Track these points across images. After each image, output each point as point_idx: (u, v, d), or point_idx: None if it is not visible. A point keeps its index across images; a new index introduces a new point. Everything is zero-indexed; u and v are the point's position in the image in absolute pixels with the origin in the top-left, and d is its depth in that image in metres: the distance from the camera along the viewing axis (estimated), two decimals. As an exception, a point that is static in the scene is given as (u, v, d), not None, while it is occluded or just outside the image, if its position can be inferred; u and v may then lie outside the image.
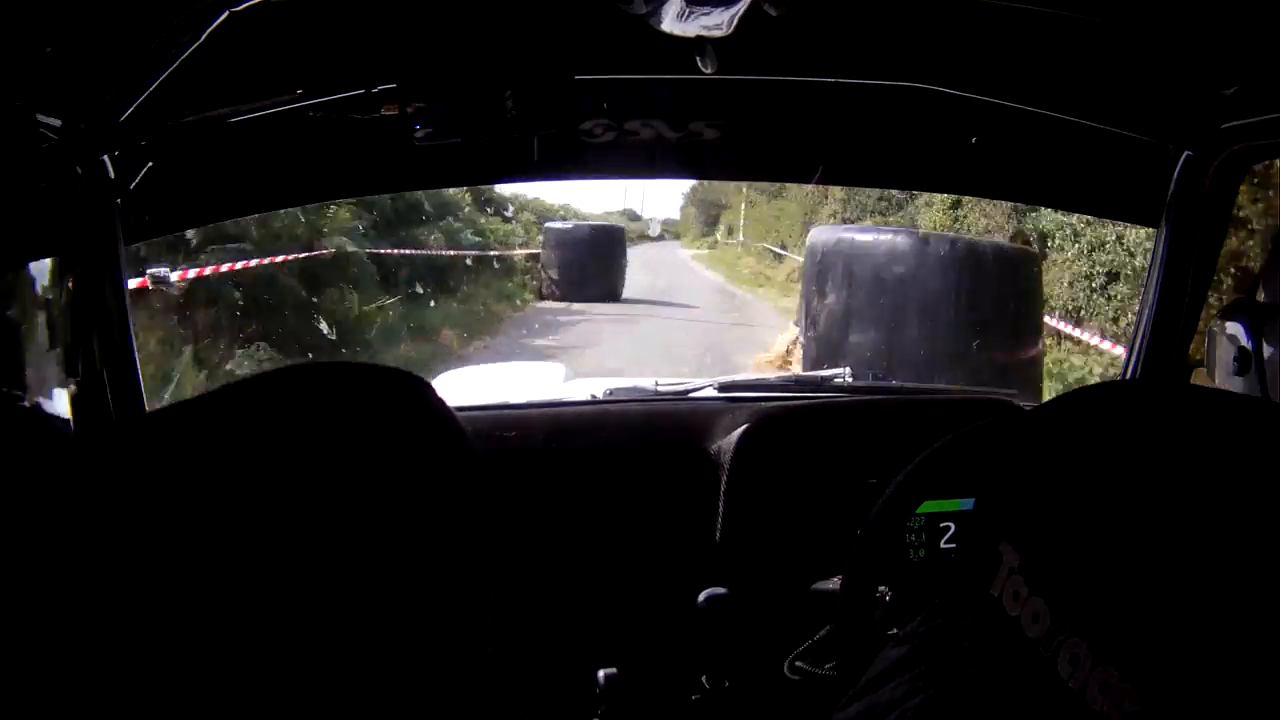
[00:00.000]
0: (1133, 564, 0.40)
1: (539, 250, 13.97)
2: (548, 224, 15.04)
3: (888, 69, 1.22)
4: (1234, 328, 0.98)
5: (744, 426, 1.38)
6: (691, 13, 0.86)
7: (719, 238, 31.89)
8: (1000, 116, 1.27)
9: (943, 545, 1.32)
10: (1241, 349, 0.89)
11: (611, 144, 1.27)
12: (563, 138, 1.23)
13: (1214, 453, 0.42)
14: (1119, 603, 0.39)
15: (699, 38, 0.94)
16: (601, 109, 1.24)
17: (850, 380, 1.78)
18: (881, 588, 1.14)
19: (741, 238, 27.19)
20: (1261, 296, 0.77)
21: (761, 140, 1.35)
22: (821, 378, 1.77)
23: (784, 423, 1.41)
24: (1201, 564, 0.39)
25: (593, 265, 13.26)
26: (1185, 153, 1.27)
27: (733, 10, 0.85)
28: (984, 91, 1.23)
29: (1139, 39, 1.04)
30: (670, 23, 0.89)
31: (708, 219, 34.43)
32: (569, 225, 14.94)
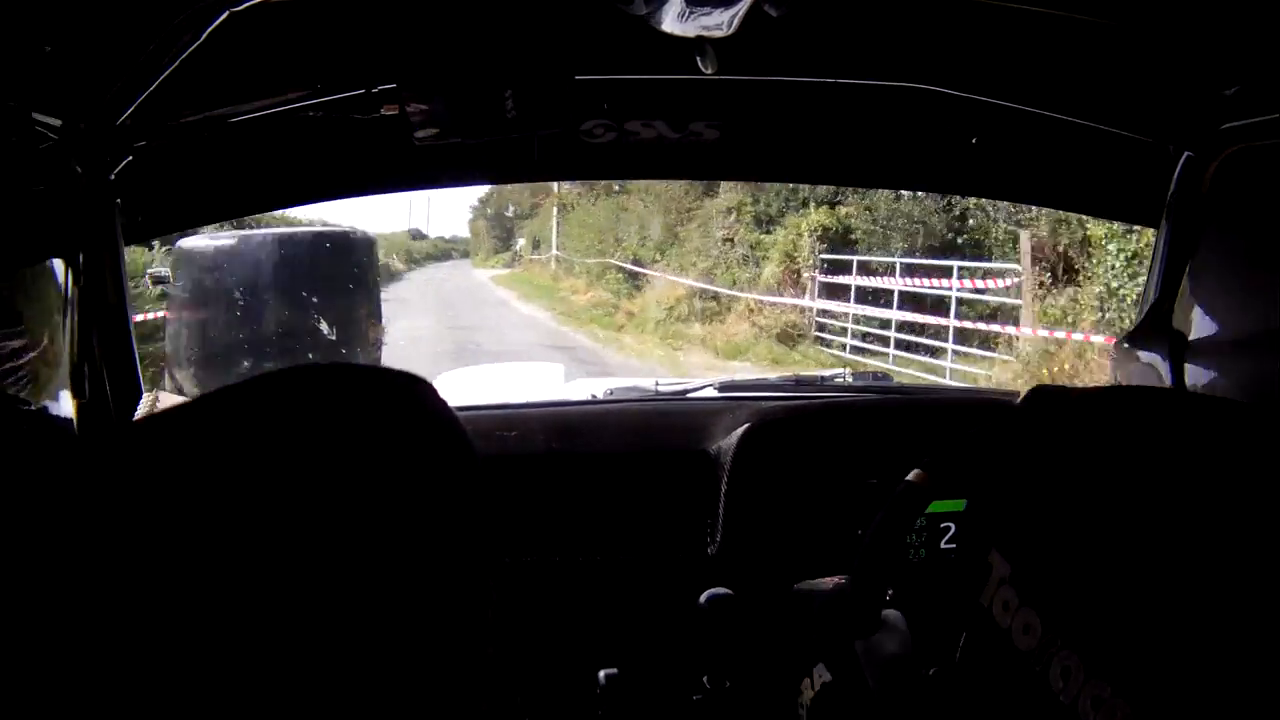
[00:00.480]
0: (1124, 576, 0.39)
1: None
2: (182, 241, 5.10)
3: (888, 69, 1.22)
4: (1149, 357, 0.82)
5: (744, 426, 1.38)
6: (691, 13, 0.86)
7: (521, 253, 26.37)
8: (1000, 116, 1.27)
9: (943, 546, 1.32)
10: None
11: (611, 144, 1.27)
12: (563, 138, 1.23)
13: (1207, 461, 0.42)
14: (1111, 616, 0.39)
15: (699, 38, 0.94)
16: (601, 109, 1.24)
17: (850, 380, 1.78)
18: None
19: (555, 251, 20.16)
20: (1184, 326, 0.68)
21: (761, 140, 1.35)
22: (822, 378, 1.77)
23: (784, 423, 1.41)
24: (1194, 577, 0.38)
25: (291, 348, 5.12)
26: (1185, 153, 1.27)
27: (733, 10, 0.85)
28: (984, 91, 1.23)
29: (1139, 39, 1.04)
30: (670, 23, 0.89)
31: (502, 231, 30.86)
32: (229, 240, 5.22)
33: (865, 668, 0.69)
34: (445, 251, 34.63)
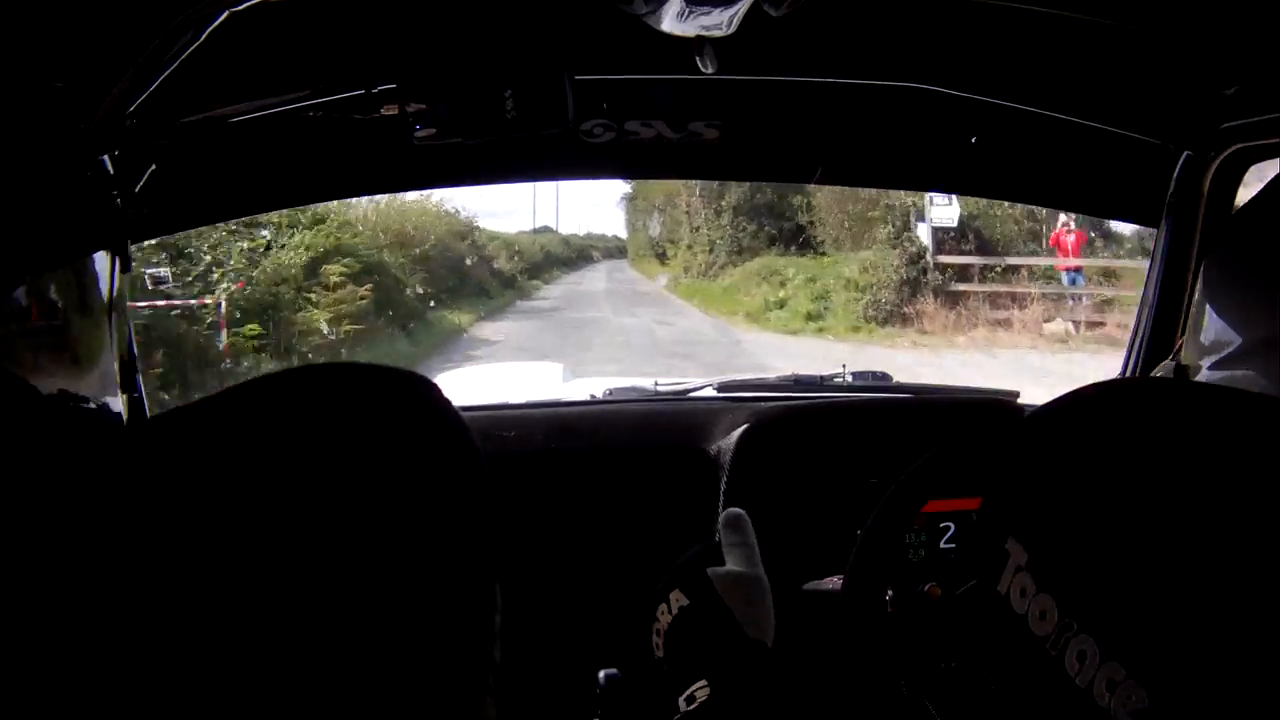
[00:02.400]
0: (1139, 561, 0.40)
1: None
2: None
3: (888, 69, 1.22)
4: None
5: (744, 426, 1.38)
6: (691, 13, 0.86)
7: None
8: (1000, 116, 1.27)
9: (942, 545, 1.32)
10: None
11: (611, 144, 1.27)
12: (563, 138, 1.23)
13: (1218, 448, 0.42)
14: (1126, 600, 0.39)
15: (699, 38, 0.94)
16: (601, 109, 1.24)
17: (850, 379, 1.78)
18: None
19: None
20: (1188, 359, 0.68)
21: (761, 140, 1.35)
22: (821, 378, 1.77)
23: (784, 423, 1.41)
24: (1207, 560, 0.39)
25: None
26: (1185, 153, 1.27)
27: (733, 10, 0.85)
28: (984, 91, 1.23)
29: (1139, 39, 1.04)
30: (670, 23, 0.89)
31: (764, 203, 13.04)
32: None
33: (722, 592, 0.73)
34: (582, 252, 22.58)
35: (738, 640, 0.70)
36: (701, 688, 0.67)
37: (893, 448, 1.36)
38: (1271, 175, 0.62)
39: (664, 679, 0.74)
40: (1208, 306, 0.64)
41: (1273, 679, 0.35)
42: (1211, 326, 0.63)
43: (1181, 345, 0.71)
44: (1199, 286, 0.66)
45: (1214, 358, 0.62)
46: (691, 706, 0.67)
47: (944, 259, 11.22)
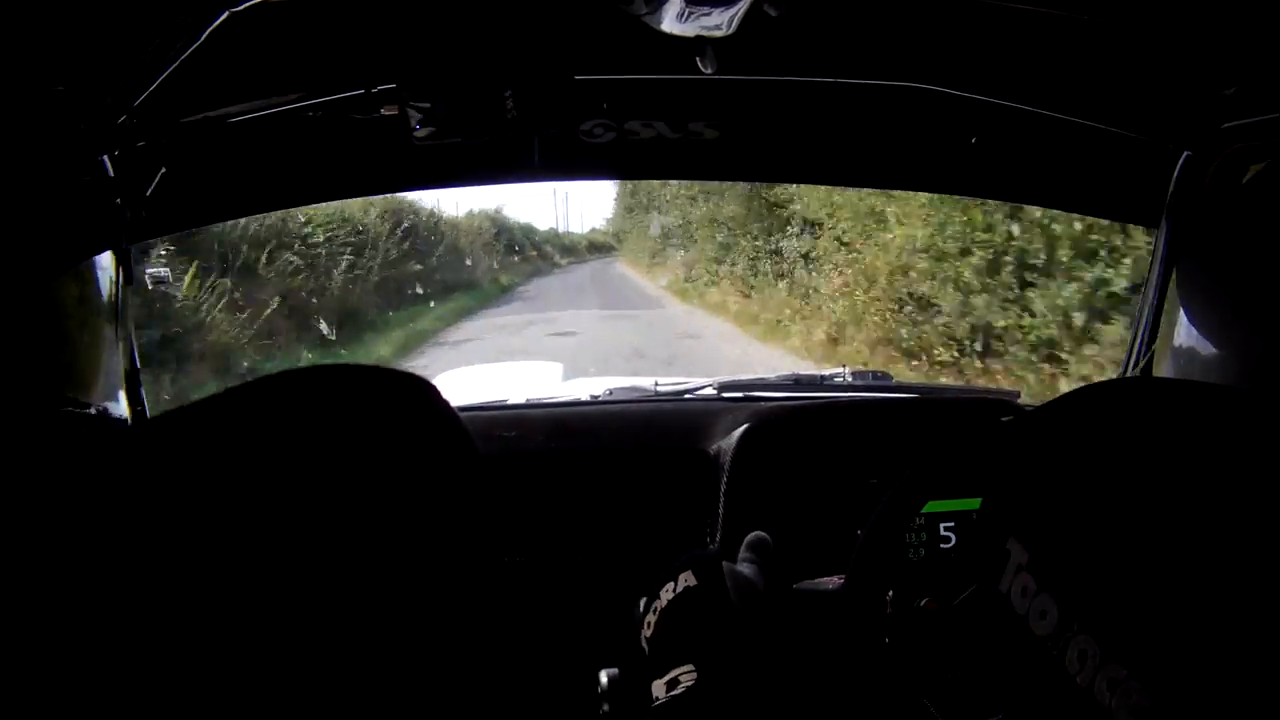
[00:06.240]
0: (1140, 560, 0.40)
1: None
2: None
3: (888, 69, 1.22)
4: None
5: (744, 426, 1.38)
6: (691, 13, 0.86)
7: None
8: (1000, 116, 1.27)
9: (942, 545, 1.32)
10: None
11: (611, 144, 1.27)
12: (563, 138, 1.23)
13: (1218, 447, 0.42)
14: (1127, 599, 0.39)
15: (699, 38, 0.94)
16: (601, 109, 1.24)
17: (849, 379, 1.78)
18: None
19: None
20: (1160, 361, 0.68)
21: (761, 140, 1.35)
22: (821, 377, 1.77)
23: (784, 423, 1.41)
24: (1209, 560, 0.39)
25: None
26: (1185, 153, 1.27)
27: (733, 10, 0.85)
28: (984, 91, 1.23)
29: (1139, 39, 1.04)
30: (670, 23, 0.89)
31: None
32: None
33: (730, 587, 0.74)
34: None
35: (733, 629, 0.70)
36: (687, 672, 0.66)
37: (893, 448, 1.36)
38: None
39: (645, 665, 0.73)
40: (1180, 310, 0.64)
41: (1274, 678, 0.35)
42: (1182, 330, 0.64)
43: (1154, 351, 0.72)
44: (1172, 289, 0.66)
45: (1182, 361, 0.63)
46: (674, 691, 0.66)
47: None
